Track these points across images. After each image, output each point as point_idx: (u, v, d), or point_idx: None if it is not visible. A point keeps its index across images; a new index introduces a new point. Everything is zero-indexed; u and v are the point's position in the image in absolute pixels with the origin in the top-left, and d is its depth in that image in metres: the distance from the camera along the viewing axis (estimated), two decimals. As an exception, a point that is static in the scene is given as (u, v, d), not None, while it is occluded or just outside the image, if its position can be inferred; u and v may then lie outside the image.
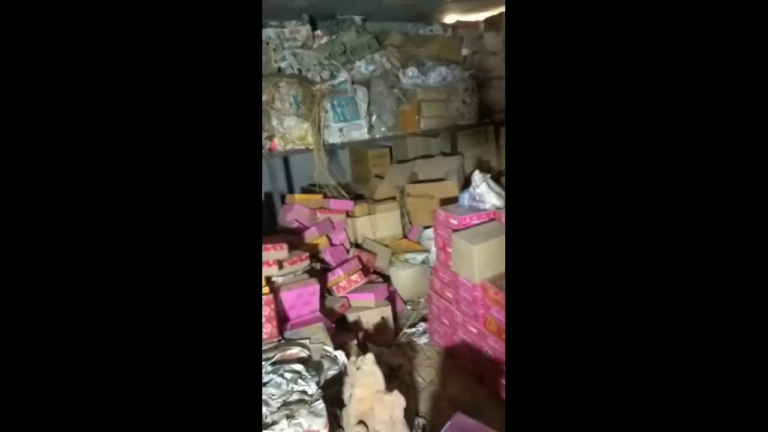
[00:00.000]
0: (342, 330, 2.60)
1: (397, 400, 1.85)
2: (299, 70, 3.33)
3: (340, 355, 1.95)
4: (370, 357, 1.89)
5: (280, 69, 3.32)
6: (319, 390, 1.73)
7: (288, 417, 1.56)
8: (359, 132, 3.43)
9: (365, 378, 1.88)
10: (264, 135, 3.16)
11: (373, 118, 3.48)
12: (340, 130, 3.36)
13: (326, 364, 1.90)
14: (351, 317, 2.63)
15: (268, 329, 2.03)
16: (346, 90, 3.31)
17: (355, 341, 2.43)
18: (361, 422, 1.88)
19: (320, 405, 1.65)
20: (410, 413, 2.30)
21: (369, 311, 2.65)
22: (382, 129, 3.53)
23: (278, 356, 1.86)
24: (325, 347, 1.98)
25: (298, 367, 1.79)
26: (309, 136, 3.27)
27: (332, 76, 3.36)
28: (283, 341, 2.03)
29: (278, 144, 3.24)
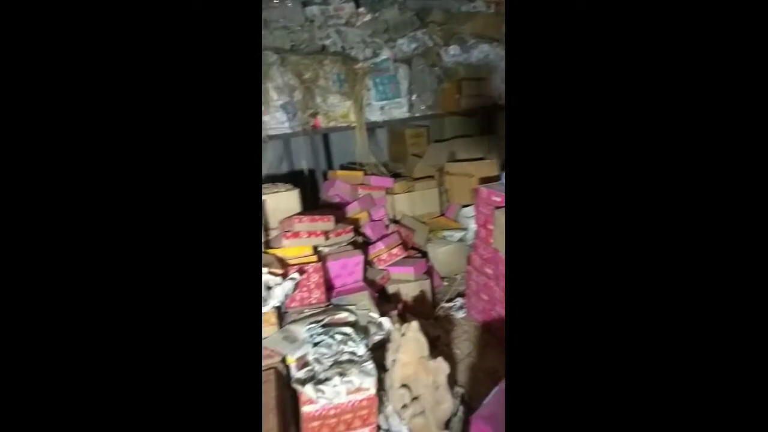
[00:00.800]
0: (382, 301, 2.69)
1: (441, 366, 1.94)
2: (342, 47, 3.38)
3: (385, 321, 2.04)
4: (415, 324, 1.98)
5: (324, 47, 3.37)
6: (369, 352, 1.82)
7: (340, 375, 1.67)
8: (400, 110, 3.47)
9: (410, 344, 1.97)
10: (308, 112, 3.25)
11: (414, 96, 3.51)
12: (381, 108, 3.41)
13: (373, 329, 2.00)
14: (391, 289, 2.72)
15: (317, 295, 2.14)
16: (388, 68, 3.34)
17: (396, 312, 2.53)
18: (404, 386, 1.98)
19: (370, 365, 1.75)
20: (449, 382, 2.38)
21: (408, 284, 2.73)
22: (422, 107, 3.55)
23: (328, 319, 1.96)
24: (371, 314, 2.07)
25: (348, 329, 1.89)
26: (351, 114, 3.34)
27: (375, 54, 3.39)
28: (331, 306, 2.13)
29: (322, 121, 3.32)
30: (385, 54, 3.35)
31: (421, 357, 1.93)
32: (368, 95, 3.33)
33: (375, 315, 2.07)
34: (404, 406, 1.93)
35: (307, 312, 2.06)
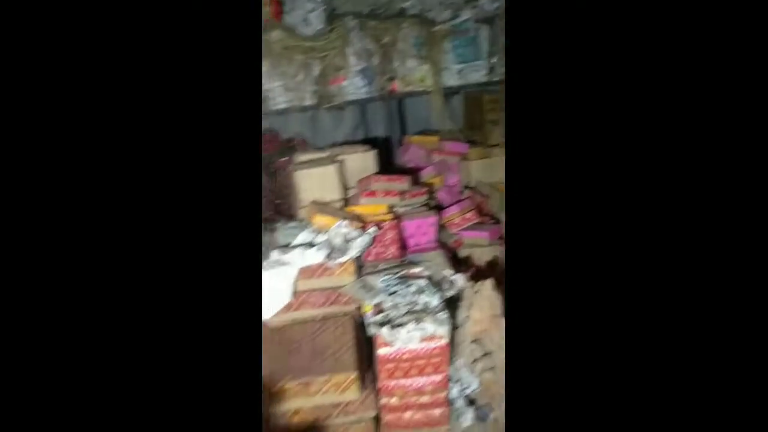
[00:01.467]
0: (455, 265, 2.72)
1: None
2: (421, 10, 3.33)
3: (459, 278, 2.07)
4: (489, 282, 1.99)
5: (402, 10, 3.35)
6: (442, 303, 1.87)
7: (416, 321, 1.74)
8: (478, 74, 3.37)
9: (483, 301, 1.99)
10: (385, 77, 3.27)
11: (494, 59, 3.39)
12: (459, 71, 3.34)
13: (446, 285, 2.04)
14: (463, 253, 2.73)
15: (392, 251, 2.22)
16: (468, 29, 3.25)
17: (469, 273, 2.54)
18: (475, 341, 2.01)
19: (444, 315, 1.80)
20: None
21: (481, 249, 2.72)
22: (502, 71, 3.42)
23: (404, 272, 2.03)
24: (445, 271, 2.11)
25: (422, 282, 1.95)
26: (428, 78, 3.31)
27: (454, 16, 3.31)
28: (406, 261, 2.20)
29: (399, 86, 3.34)
30: (466, 14, 3.26)
31: (493, 315, 1.94)
32: (446, 58, 3.28)
33: (448, 272, 2.10)
34: (475, 361, 1.97)
35: (383, 266, 2.15)
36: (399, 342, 1.70)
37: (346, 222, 2.06)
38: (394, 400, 1.83)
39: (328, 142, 3.08)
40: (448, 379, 1.87)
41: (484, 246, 2.73)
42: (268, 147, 2.90)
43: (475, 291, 2.01)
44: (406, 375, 1.81)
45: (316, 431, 1.72)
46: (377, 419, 1.82)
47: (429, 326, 1.73)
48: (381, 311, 1.88)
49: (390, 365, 1.79)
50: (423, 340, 1.73)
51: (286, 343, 1.84)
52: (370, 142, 3.68)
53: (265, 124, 3.11)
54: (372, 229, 2.10)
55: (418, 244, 2.54)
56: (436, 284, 2.02)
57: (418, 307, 1.84)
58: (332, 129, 3.51)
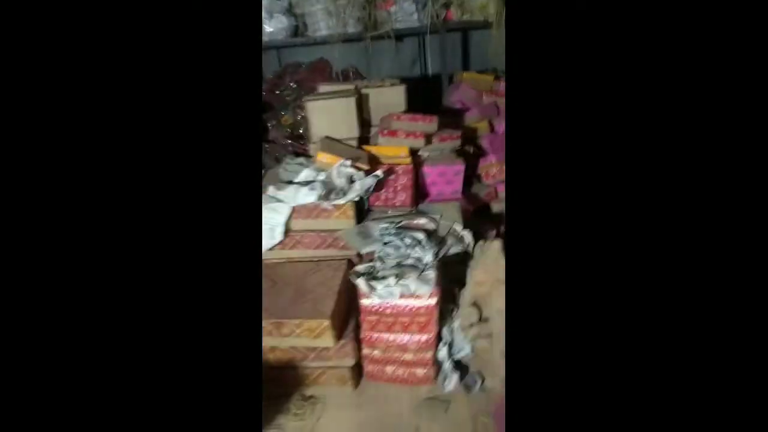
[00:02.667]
0: (485, 219, 2.46)
1: None
2: None
3: (467, 234, 1.85)
4: (497, 243, 1.75)
5: None
6: (436, 261, 1.69)
7: (396, 276, 1.60)
8: (552, 0, 2.84)
9: (488, 262, 1.77)
10: (439, 2, 2.90)
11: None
12: (528, -3, 2.83)
13: (451, 241, 1.84)
14: (496, 207, 2.46)
15: (402, 198, 2.04)
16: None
17: (495, 232, 2.28)
18: (475, 304, 1.82)
19: (431, 274, 1.62)
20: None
21: None
22: None
23: (404, 222, 1.87)
24: (455, 225, 1.90)
25: (420, 235, 1.77)
26: (491, 5, 2.87)
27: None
28: (414, 211, 2.02)
29: (454, 13, 2.95)
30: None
31: (497, 279, 1.72)
32: (513, -20, 2.79)
33: (458, 227, 1.89)
34: (471, 325, 1.80)
35: (390, 213, 1.99)
36: (376, 296, 1.58)
37: (349, 162, 1.90)
38: (376, 353, 1.75)
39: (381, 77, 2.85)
40: (436, 340, 1.73)
41: None
42: (316, 77, 2.77)
43: (483, 250, 1.79)
44: (389, 330, 1.70)
45: (291, 371, 1.72)
46: (357, 368, 1.76)
47: (412, 284, 1.57)
48: (370, 260, 1.76)
49: (372, 317, 1.69)
50: (404, 296, 1.59)
51: (272, 280, 1.82)
52: (427, 80, 3.39)
53: (314, 54, 2.97)
54: (378, 172, 1.93)
55: (441, 194, 2.31)
56: (439, 240, 1.82)
57: (408, 262, 1.69)
58: (386, 62, 3.24)
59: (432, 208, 2.06)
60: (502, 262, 1.71)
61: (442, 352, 1.76)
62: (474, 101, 2.87)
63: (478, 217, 2.47)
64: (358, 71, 2.96)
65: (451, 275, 1.90)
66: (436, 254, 1.71)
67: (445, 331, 1.83)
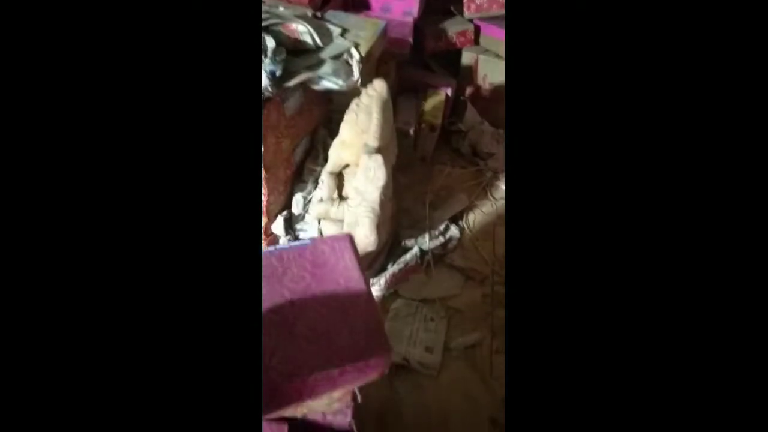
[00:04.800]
0: (447, 69, 1.70)
1: (379, 174, 1.08)
2: None
3: (355, 67, 1.15)
4: (380, 86, 1.06)
5: None
6: (274, 87, 1.04)
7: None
8: None
9: (360, 115, 1.10)
10: None
11: None
12: None
13: (332, 68, 1.15)
14: (468, 59, 1.67)
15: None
16: None
17: (464, 97, 1.56)
18: (336, 175, 1.22)
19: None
20: (395, 219, 1.51)
21: (492, 63, 1.63)
22: None
23: (273, 22, 1.15)
24: (352, 51, 1.18)
25: (270, 42, 1.08)
26: None
27: None
28: (312, 15, 1.29)
29: None
30: None
31: (365, 144, 1.08)
32: None
33: (355, 56, 1.18)
34: (321, 200, 1.22)
35: (280, 9, 1.27)
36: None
37: None
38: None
39: None
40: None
41: (496, 61, 1.62)
42: None
43: (360, 103, 1.10)
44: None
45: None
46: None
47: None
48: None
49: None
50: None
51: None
52: None
53: None
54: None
55: (387, 9, 1.54)
56: (314, 61, 1.14)
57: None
58: None
59: (342, 20, 1.32)
60: (380, 119, 1.05)
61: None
62: None
63: (429, 62, 1.71)
64: None
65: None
66: (276, 76, 1.05)
67: (295, 203, 1.27)
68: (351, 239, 0.66)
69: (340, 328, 0.54)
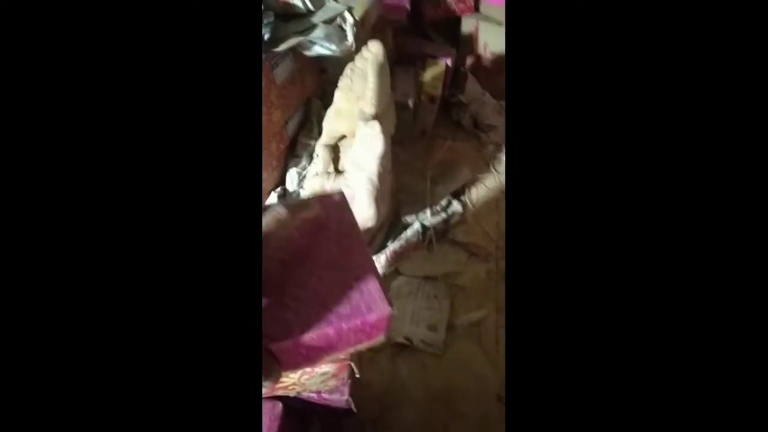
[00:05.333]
0: (446, 38, 1.63)
1: (377, 143, 1.02)
2: None
3: (349, 31, 1.08)
4: (376, 48, 0.99)
5: None
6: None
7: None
8: None
9: (355, 81, 1.04)
10: None
11: None
12: None
13: (324, 32, 1.08)
14: (468, 27, 1.59)
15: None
16: None
17: (464, 67, 1.49)
18: (332, 147, 1.16)
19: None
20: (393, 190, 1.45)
21: (493, 27, 1.55)
22: None
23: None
24: (348, 13, 1.11)
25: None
26: None
27: None
28: None
29: None
30: None
31: (362, 110, 1.01)
32: None
33: (348, 20, 1.11)
34: (316, 175, 1.16)
35: None
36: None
37: None
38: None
39: None
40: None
41: (497, 28, 1.54)
42: None
43: (355, 68, 1.04)
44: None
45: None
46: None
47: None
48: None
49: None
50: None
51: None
52: None
53: None
54: None
55: None
56: (303, 25, 1.07)
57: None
58: None
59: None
60: (375, 85, 0.99)
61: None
62: None
63: (428, 31, 1.63)
64: None
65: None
66: (264, 41, 0.98)
67: (289, 178, 1.22)
68: (344, 195, 0.61)
69: (333, 287, 0.49)
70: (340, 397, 0.63)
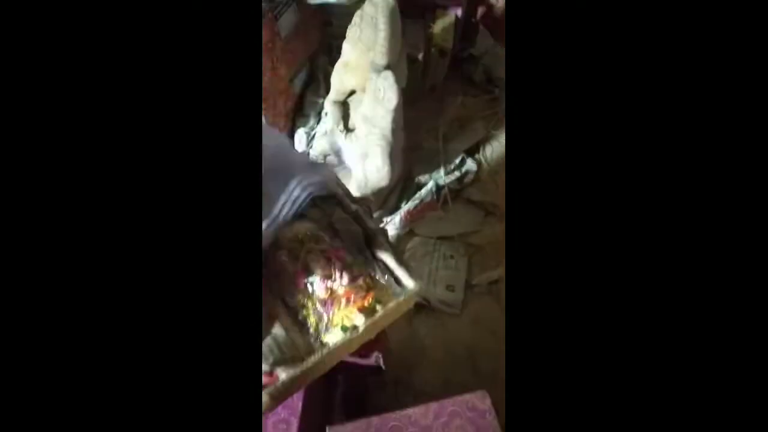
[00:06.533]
0: None
1: (390, 95, 0.97)
2: None
3: None
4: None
5: None
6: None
7: None
8: None
9: (364, 30, 0.97)
10: None
11: None
12: None
13: None
14: None
15: None
16: None
17: (475, 18, 1.40)
18: (341, 104, 1.10)
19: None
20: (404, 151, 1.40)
21: None
22: None
23: None
24: None
25: None
26: None
27: None
28: None
29: None
30: None
31: (372, 61, 0.96)
32: None
33: None
34: (325, 134, 1.11)
35: None
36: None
37: None
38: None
39: None
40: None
41: None
42: None
43: (363, 14, 0.97)
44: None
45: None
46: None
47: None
48: None
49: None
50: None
51: None
52: None
53: None
54: None
55: None
56: None
57: None
58: None
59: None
60: (387, 29, 0.92)
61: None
62: None
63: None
64: None
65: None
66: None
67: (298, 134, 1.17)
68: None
69: None
70: (369, 355, 0.61)
